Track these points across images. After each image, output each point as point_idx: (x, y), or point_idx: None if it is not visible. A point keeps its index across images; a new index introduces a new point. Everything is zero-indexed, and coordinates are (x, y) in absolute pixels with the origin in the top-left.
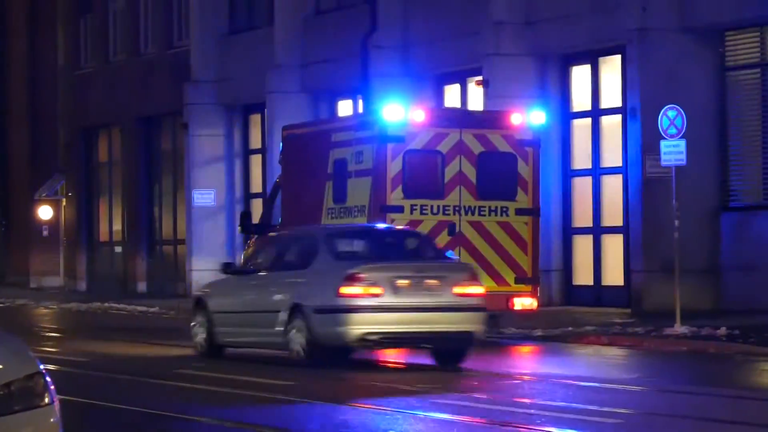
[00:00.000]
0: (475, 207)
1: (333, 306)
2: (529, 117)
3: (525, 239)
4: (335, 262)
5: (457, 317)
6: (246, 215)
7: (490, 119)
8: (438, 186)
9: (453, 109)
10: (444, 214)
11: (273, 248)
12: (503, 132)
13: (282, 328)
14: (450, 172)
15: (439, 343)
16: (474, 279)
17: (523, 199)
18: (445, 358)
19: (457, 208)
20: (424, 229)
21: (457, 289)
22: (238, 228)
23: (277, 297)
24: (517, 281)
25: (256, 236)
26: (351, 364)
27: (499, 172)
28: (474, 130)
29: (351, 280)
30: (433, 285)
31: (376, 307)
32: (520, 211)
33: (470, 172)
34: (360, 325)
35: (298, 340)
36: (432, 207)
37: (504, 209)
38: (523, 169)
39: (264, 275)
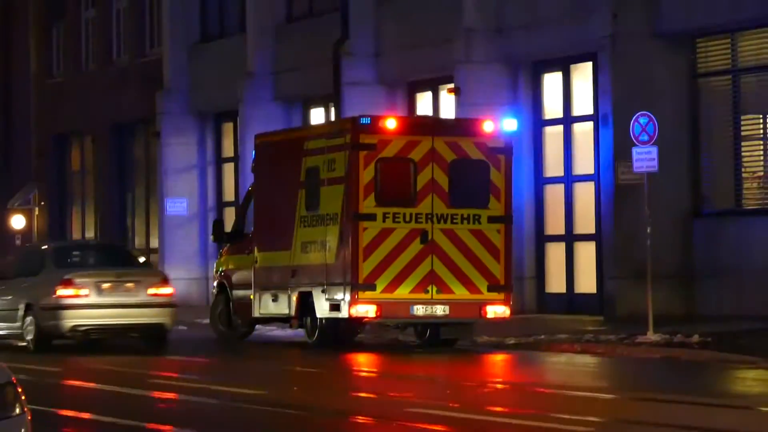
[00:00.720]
0: (447, 215)
1: (52, 304)
2: (501, 124)
3: (497, 247)
4: (56, 270)
5: (151, 312)
6: (218, 224)
7: (462, 127)
8: (410, 194)
9: (425, 117)
10: (416, 221)
11: (17, 259)
12: (475, 139)
13: (20, 323)
14: (422, 179)
15: (141, 332)
16: (165, 283)
17: (495, 207)
18: (150, 343)
19: (429, 216)
20: (396, 237)
21: (151, 290)
22: (211, 236)
23: (16, 298)
24: (490, 289)
25: (228, 244)
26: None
27: (472, 180)
28: (446, 138)
29: (65, 284)
30: (131, 287)
31: (84, 305)
32: (492, 219)
33: (442, 180)
34: (71, 319)
35: (30, 331)
36: (404, 215)
37: (476, 217)
38: (496, 176)
39: (8, 281)
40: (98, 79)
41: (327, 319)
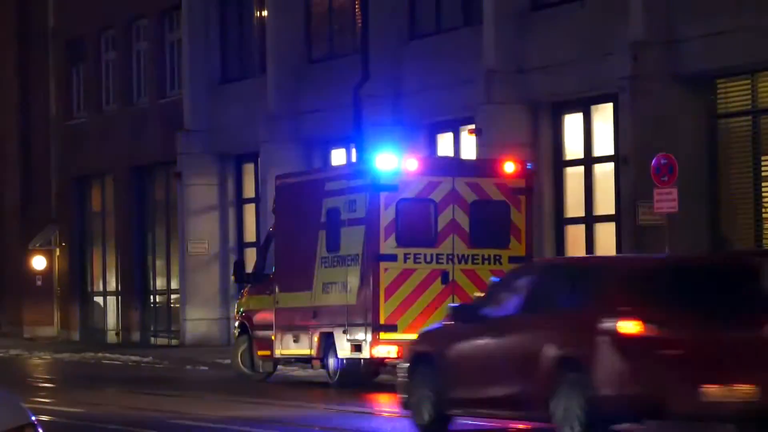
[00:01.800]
0: (468, 255)
1: None
2: (522, 165)
3: None
4: None
5: None
6: (239, 264)
7: (482, 167)
8: (431, 234)
9: (445, 158)
10: (437, 262)
11: None
12: (496, 180)
13: None
14: (443, 220)
15: None
16: None
17: (516, 247)
18: None
19: (450, 257)
20: (417, 277)
21: None
22: (232, 277)
23: None
24: None
25: (249, 285)
26: None
27: (492, 220)
28: (467, 179)
29: None
30: None
31: None
32: (513, 259)
33: (463, 221)
34: None
35: None
36: (425, 255)
37: (497, 257)
38: (516, 217)
39: None
40: (119, 121)
41: (348, 359)
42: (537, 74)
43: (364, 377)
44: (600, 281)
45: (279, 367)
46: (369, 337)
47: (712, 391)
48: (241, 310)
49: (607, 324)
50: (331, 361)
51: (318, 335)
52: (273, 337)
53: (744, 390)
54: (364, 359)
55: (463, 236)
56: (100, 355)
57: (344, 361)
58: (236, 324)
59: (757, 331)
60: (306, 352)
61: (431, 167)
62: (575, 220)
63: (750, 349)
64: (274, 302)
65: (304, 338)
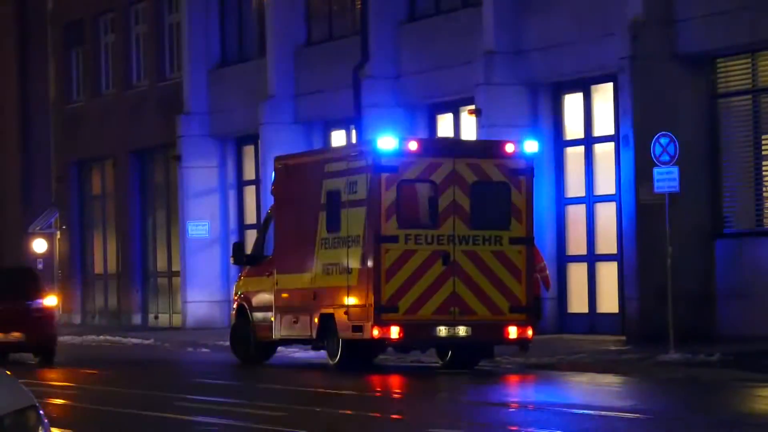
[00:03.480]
0: (469, 236)
1: None
2: (522, 146)
3: (519, 268)
4: None
5: None
6: (239, 246)
7: (483, 148)
8: (432, 215)
9: (446, 139)
10: (438, 243)
11: None
12: (496, 161)
13: None
14: (444, 201)
15: None
16: None
17: (516, 228)
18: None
19: (451, 238)
20: (419, 258)
21: None
22: (231, 259)
23: None
24: (512, 310)
25: (247, 267)
26: None
27: (493, 201)
28: (467, 160)
29: None
30: None
31: None
32: (514, 240)
33: (464, 202)
34: None
35: None
36: (426, 237)
37: (498, 238)
38: (517, 198)
39: None
40: (118, 104)
41: (349, 340)
42: (537, 55)
43: (365, 358)
44: None
45: (278, 348)
46: (371, 318)
47: None
48: (240, 292)
49: None
50: (331, 343)
51: (318, 317)
52: (272, 319)
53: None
54: (366, 340)
55: (463, 217)
56: (101, 337)
57: (345, 342)
58: (234, 306)
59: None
60: (306, 333)
61: (432, 148)
62: (576, 200)
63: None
64: (273, 284)
65: (304, 320)
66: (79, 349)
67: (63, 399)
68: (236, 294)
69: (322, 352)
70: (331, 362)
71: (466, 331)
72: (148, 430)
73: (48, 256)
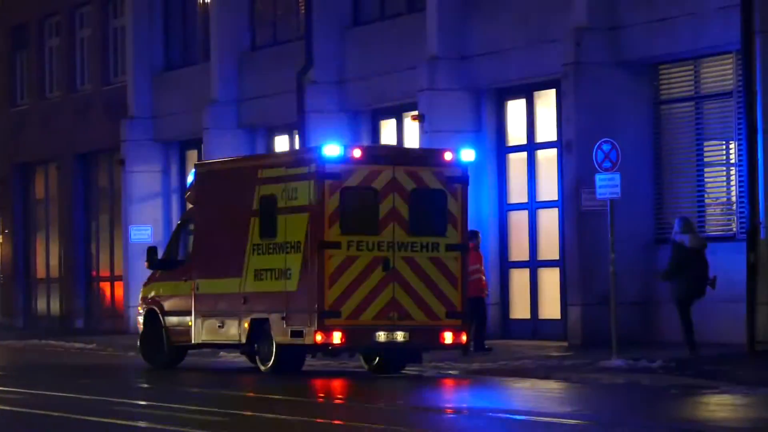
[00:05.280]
0: (407, 243)
1: None
2: (459, 154)
3: (455, 274)
4: None
5: None
6: (153, 250)
7: (422, 156)
8: (373, 222)
9: (387, 147)
10: (379, 249)
11: None
12: (434, 169)
13: None
14: (384, 208)
15: None
16: None
17: (452, 235)
18: None
19: (390, 244)
20: (360, 264)
21: None
22: (146, 264)
23: None
24: (448, 315)
25: (159, 271)
26: None
27: (430, 209)
28: (406, 167)
29: None
30: None
31: None
32: (450, 247)
33: (403, 209)
34: None
35: None
36: (368, 243)
37: (435, 245)
38: (453, 205)
39: None
40: (62, 107)
41: (285, 345)
42: (480, 60)
43: (297, 364)
44: None
45: (189, 353)
46: (314, 323)
47: None
48: (149, 296)
49: None
50: (264, 348)
51: (249, 321)
52: (190, 323)
53: None
54: (302, 345)
55: (402, 224)
56: (44, 342)
57: (280, 347)
58: (141, 311)
59: None
60: (233, 338)
61: (373, 156)
62: (518, 206)
63: None
64: (191, 288)
65: (232, 325)
66: (23, 353)
67: (2, 404)
68: (145, 298)
69: (240, 357)
70: (262, 367)
71: (404, 336)
72: None
73: None
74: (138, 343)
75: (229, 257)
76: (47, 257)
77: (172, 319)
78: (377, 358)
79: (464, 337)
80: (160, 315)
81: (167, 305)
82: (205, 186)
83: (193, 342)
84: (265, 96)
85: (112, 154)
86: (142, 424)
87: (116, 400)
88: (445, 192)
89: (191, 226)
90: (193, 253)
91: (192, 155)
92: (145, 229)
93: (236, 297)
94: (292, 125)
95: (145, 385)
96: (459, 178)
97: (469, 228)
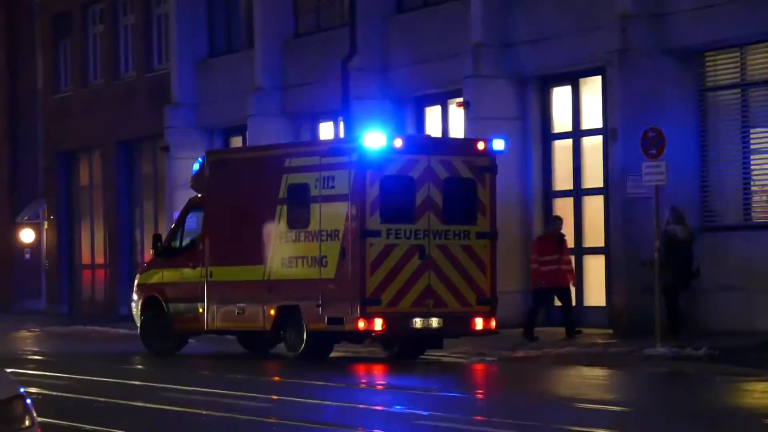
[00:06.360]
0: (441, 231)
1: None
2: (490, 144)
3: (485, 261)
4: None
5: None
6: (158, 237)
7: (454, 146)
8: (410, 211)
9: (422, 136)
10: (415, 238)
11: None
12: (465, 158)
13: None
14: (420, 197)
15: None
16: None
17: (482, 223)
18: None
19: (426, 233)
20: (398, 252)
21: None
22: (152, 250)
23: None
24: (478, 302)
25: (160, 258)
26: None
27: (462, 197)
28: (440, 157)
29: None
30: None
31: None
32: (480, 235)
33: (437, 197)
34: None
35: None
36: (405, 231)
37: (466, 233)
38: (482, 194)
39: None
40: (106, 95)
41: (316, 332)
42: (525, 48)
43: (327, 350)
44: None
45: (190, 341)
46: (356, 310)
47: None
48: (150, 283)
49: None
50: (291, 334)
51: (275, 308)
52: (201, 310)
53: None
54: (344, 332)
55: (437, 213)
56: (88, 328)
57: (312, 334)
58: (137, 298)
59: None
60: (255, 325)
61: (410, 145)
62: (564, 193)
63: None
64: (201, 275)
65: (253, 311)
66: (67, 339)
67: (48, 389)
68: (143, 285)
69: (235, 343)
70: (290, 354)
71: (439, 323)
72: (132, 420)
73: (36, 246)
74: (139, 330)
75: (248, 245)
76: (92, 244)
77: (178, 306)
78: (398, 346)
79: (493, 323)
80: (163, 302)
81: (172, 292)
82: (218, 174)
83: (206, 328)
84: (308, 83)
85: (156, 141)
86: (193, 410)
87: (162, 386)
88: (475, 181)
89: (198, 214)
90: (204, 241)
91: (236, 142)
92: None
93: (259, 284)
94: (336, 112)
95: (187, 371)
96: (488, 167)
97: (553, 214)
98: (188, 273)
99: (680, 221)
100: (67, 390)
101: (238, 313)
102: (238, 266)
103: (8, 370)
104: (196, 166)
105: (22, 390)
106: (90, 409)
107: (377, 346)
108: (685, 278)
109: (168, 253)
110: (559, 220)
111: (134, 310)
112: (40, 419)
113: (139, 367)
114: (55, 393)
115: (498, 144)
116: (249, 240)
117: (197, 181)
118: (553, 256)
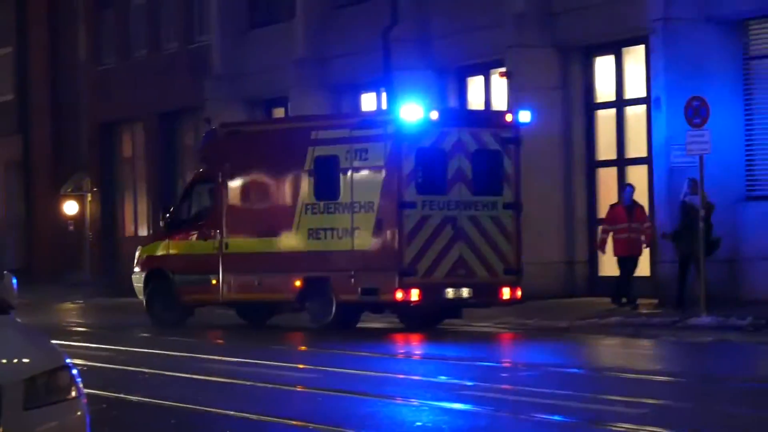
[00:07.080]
0: (471, 202)
1: None
2: (516, 116)
3: (511, 232)
4: None
5: None
6: (168, 209)
7: (483, 118)
8: (443, 182)
9: (453, 108)
10: (448, 209)
11: None
12: (492, 130)
13: None
14: (451, 168)
15: None
16: None
17: (508, 194)
18: None
19: (458, 204)
20: (432, 223)
21: None
22: (161, 222)
23: None
24: (505, 272)
25: (166, 230)
26: None
27: (489, 169)
28: (470, 129)
29: None
30: None
31: None
32: (506, 206)
33: (467, 169)
34: None
35: None
36: (438, 202)
37: (494, 204)
38: (508, 165)
39: None
40: (147, 66)
41: (346, 303)
42: (567, 17)
43: (355, 321)
44: None
45: (197, 310)
46: (394, 281)
47: None
48: (155, 255)
49: None
50: (318, 305)
51: (301, 280)
52: (214, 282)
53: None
54: (380, 302)
55: (468, 184)
56: (131, 299)
57: (342, 304)
58: (139, 270)
59: None
60: (276, 296)
61: (444, 117)
62: (607, 163)
63: None
64: (215, 247)
65: (275, 283)
66: (111, 310)
67: (93, 360)
68: (148, 258)
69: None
70: (314, 324)
71: (469, 293)
72: (181, 391)
73: (79, 218)
74: (145, 302)
75: (269, 217)
76: (135, 215)
77: (189, 278)
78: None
79: (519, 293)
80: (170, 274)
81: (181, 264)
82: (233, 147)
83: (220, 300)
84: (349, 54)
85: (197, 113)
86: (236, 381)
87: (204, 357)
88: (502, 152)
89: (205, 187)
90: (218, 213)
91: (278, 113)
92: None
93: (281, 255)
94: (378, 83)
95: (224, 342)
96: (513, 139)
97: (628, 184)
98: (199, 245)
99: (698, 192)
100: (112, 361)
101: (257, 284)
102: (257, 238)
103: (54, 342)
104: (204, 139)
105: (68, 360)
106: (136, 380)
107: (393, 316)
108: (706, 248)
109: (176, 225)
110: (630, 188)
111: (136, 283)
112: (86, 390)
113: (183, 339)
114: (100, 364)
115: (524, 116)
116: (270, 212)
117: (206, 152)
118: (623, 224)
